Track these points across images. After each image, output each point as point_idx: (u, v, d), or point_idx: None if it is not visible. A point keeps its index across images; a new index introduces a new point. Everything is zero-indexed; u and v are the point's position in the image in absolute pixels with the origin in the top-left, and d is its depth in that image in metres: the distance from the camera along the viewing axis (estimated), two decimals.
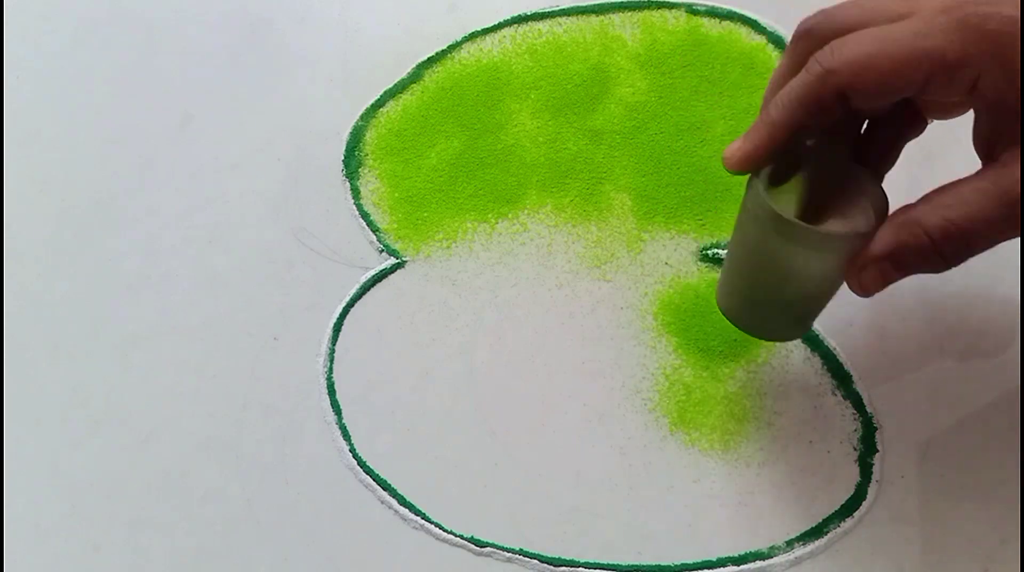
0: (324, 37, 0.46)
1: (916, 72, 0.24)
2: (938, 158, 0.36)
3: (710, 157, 0.40)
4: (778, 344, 0.37)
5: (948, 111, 0.29)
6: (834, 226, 0.27)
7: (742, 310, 0.32)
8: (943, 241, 0.25)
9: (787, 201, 0.28)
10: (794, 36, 0.28)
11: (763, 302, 0.31)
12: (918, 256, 0.25)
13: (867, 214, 0.27)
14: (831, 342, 0.37)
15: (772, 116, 0.27)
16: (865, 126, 0.30)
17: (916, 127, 0.30)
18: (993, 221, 0.24)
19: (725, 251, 0.39)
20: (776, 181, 0.28)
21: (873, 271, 0.26)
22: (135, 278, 0.41)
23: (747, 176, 0.28)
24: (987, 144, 0.26)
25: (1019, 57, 0.23)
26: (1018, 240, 0.34)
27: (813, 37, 0.27)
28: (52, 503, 0.38)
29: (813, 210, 0.28)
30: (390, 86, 0.44)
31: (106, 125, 0.45)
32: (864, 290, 0.27)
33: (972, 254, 0.25)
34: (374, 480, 0.36)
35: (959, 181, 0.25)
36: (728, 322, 0.32)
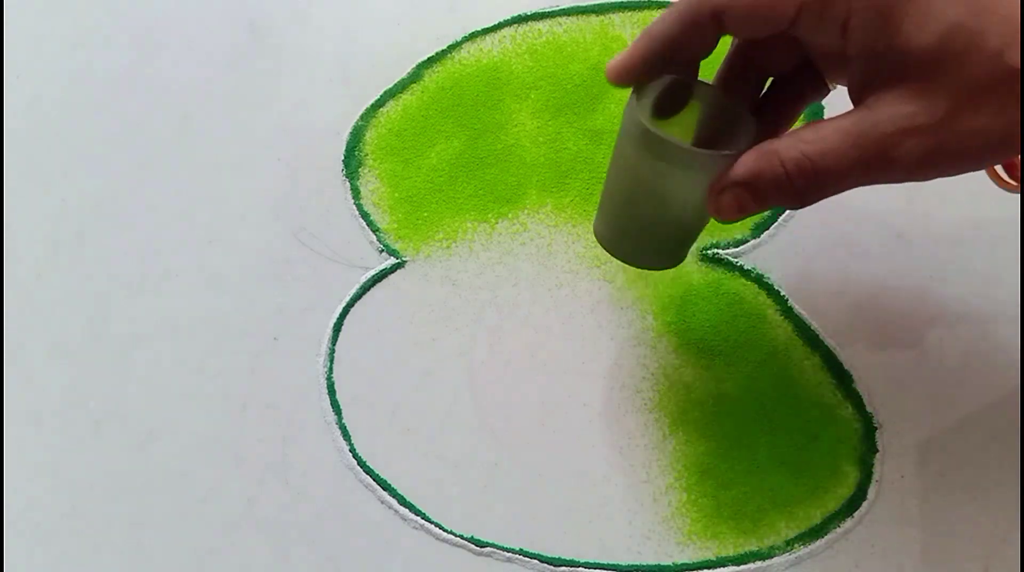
0: (324, 37, 0.46)
1: (788, 2, 0.25)
2: None
3: None
4: (777, 345, 0.37)
5: (841, 68, 0.29)
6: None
7: (616, 237, 0.32)
8: (796, 174, 0.25)
9: (674, 133, 0.29)
10: None
11: (636, 229, 0.31)
12: (773, 185, 0.25)
13: (740, 147, 0.27)
14: (831, 342, 0.37)
15: (650, 29, 0.27)
16: (768, 86, 0.31)
17: (816, 90, 0.30)
18: (846, 161, 0.24)
19: (722, 249, 0.39)
20: (664, 114, 0.29)
21: (730, 195, 0.26)
22: (135, 278, 0.41)
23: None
24: (859, 90, 0.26)
25: (888, 2, 0.24)
26: (1018, 240, 0.34)
27: None
28: (52, 503, 0.38)
29: (697, 145, 0.29)
30: (390, 86, 0.44)
31: (106, 125, 0.45)
32: (720, 214, 0.27)
33: (825, 193, 0.25)
34: (374, 480, 0.36)
35: (825, 119, 0.25)
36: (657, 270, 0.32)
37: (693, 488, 0.35)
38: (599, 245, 0.32)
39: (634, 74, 0.28)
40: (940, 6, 0.23)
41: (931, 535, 0.34)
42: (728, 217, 0.27)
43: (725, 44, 0.30)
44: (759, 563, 0.34)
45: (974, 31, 0.23)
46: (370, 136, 0.43)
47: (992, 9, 0.23)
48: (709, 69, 0.30)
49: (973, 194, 0.37)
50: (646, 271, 0.39)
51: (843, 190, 0.25)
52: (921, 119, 0.24)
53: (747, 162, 0.26)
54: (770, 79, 0.31)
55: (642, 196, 0.29)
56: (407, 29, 0.45)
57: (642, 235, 0.31)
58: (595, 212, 0.33)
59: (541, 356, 0.38)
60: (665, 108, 0.29)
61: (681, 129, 0.30)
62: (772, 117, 0.30)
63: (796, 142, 0.25)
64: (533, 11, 0.45)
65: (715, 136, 0.29)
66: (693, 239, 0.32)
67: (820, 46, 0.27)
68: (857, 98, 0.26)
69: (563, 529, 0.35)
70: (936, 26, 0.23)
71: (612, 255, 0.32)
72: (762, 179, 0.26)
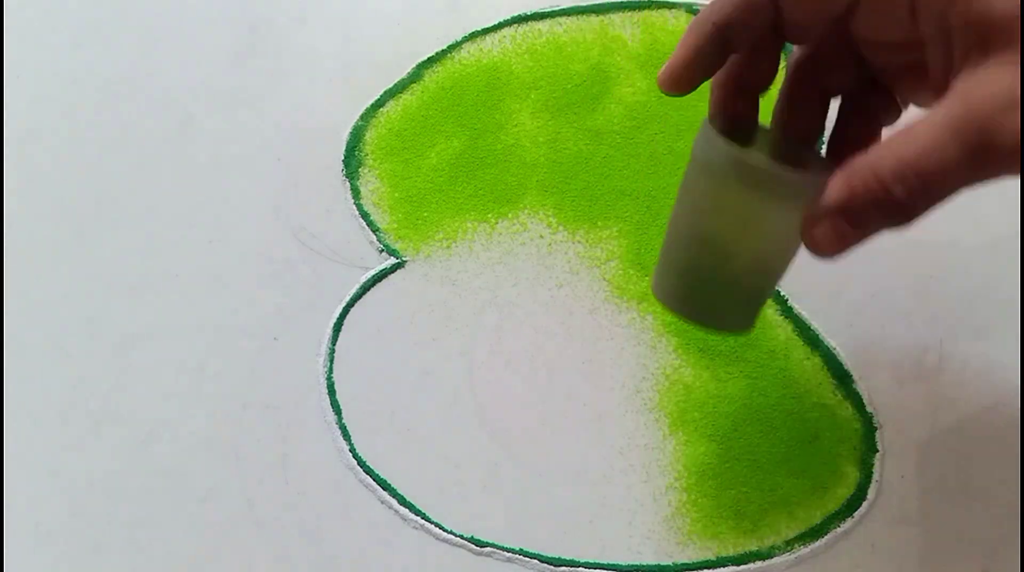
0: (324, 37, 0.46)
1: None
2: None
3: None
4: (777, 345, 0.37)
5: (913, 77, 0.26)
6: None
7: (685, 291, 0.28)
8: (896, 183, 0.22)
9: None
10: None
11: (710, 279, 0.27)
12: (872, 204, 0.22)
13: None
14: (831, 342, 0.37)
15: (698, 17, 0.25)
16: (837, 116, 0.28)
17: (887, 111, 0.28)
18: (950, 157, 0.21)
19: None
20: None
21: (826, 225, 0.23)
22: (135, 278, 0.41)
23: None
24: (942, 78, 0.23)
25: None
26: (1018, 240, 0.34)
27: None
28: (52, 503, 0.38)
29: None
30: (390, 86, 0.44)
31: (106, 125, 0.45)
32: (818, 248, 0.24)
33: (932, 201, 0.22)
34: (374, 480, 0.36)
35: (913, 122, 0.22)
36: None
37: (693, 488, 0.35)
38: (665, 308, 0.28)
39: (691, 70, 0.25)
40: None
41: (931, 535, 0.34)
42: (827, 251, 0.24)
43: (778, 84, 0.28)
44: (759, 563, 0.34)
45: None
46: (370, 136, 0.43)
47: None
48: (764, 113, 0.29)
49: (973, 194, 0.37)
50: (644, 269, 0.39)
51: (950, 194, 0.22)
52: (1020, 91, 0.20)
53: (836, 185, 0.23)
54: (832, 103, 0.28)
55: (723, 240, 0.26)
56: (407, 29, 0.45)
57: (718, 287, 0.27)
58: (659, 273, 0.29)
59: (541, 356, 0.38)
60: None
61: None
62: (846, 155, 0.26)
63: (887, 150, 0.22)
64: (533, 11, 0.45)
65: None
66: (773, 288, 0.28)
67: (885, 42, 0.25)
68: (941, 88, 0.23)
69: (563, 529, 0.35)
70: None
71: (684, 317, 0.28)
72: (858, 199, 0.22)
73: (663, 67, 0.25)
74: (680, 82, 0.25)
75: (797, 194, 0.24)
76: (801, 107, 0.28)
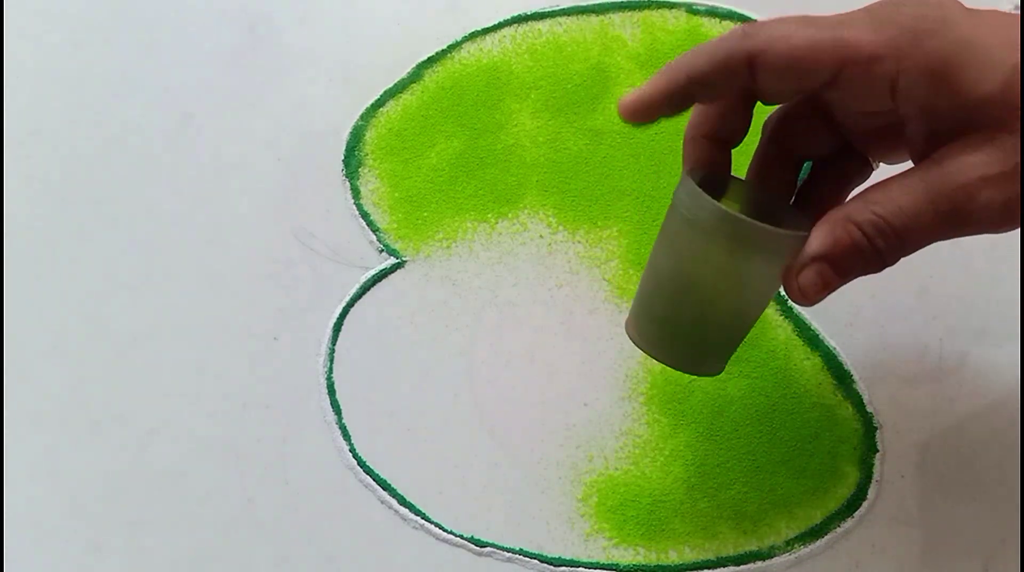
0: (324, 37, 0.46)
1: (829, 56, 0.24)
2: None
3: None
4: (777, 345, 0.37)
5: (886, 140, 0.28)
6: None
7: (666, 337, 0.29)
8: (876, 235, 0.24)
9: None
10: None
11: (689, 327, 0.28)
12: (854, 252, 0.24)
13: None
14: (831, 342, 0.37)
15: (673, 64, 0.26)
16: (806, 177, 0.30)
17: (859, 171, 0.29)
18: (924, 219, 0.23)
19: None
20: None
21: (811, 272, 0.25)
22: (135, 278, 0.41)
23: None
24: (921, 149, 0.25)
25: (941, 56, 0.23)
26: (1018, 241, 0.34)
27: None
28: (52, 503, 0.38)
29: None
30: (390, 86, 0.44)
31: (106, 125, 0.45)
32: (804, 296, 0.25)
33: (906, 252, 0.24)
34: (374, 480, 0.36)
35: (890, 178, 0.24)
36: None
37: (693, 488, 0.35)
38: (640, 349, 0.29)
39: (653, 110, 0.26)
40: (999, 54, 0.23)
41: (931, 535, 0.34)
42: (811, 297, 0.25)
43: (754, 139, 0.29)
44: (759, 563, 0.34)
45: None
46: (370, 136, 0.43)
47: None
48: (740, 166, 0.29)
49: None
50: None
51: (923, 246, 0.24)
52: (995, 168, 0.23)
53: (820, 235, 0.25)
54: (805, 166, 0.29)
55: (703, 289, 0.27)
56: (407, 29, 0.45)
57: (698, 333, 0.28)
58: (636, 318, 0.30)
59: (541, 356, 0.38)
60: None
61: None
62: (815, 209, 0.28)
63: (865, 205, 0.24)
64: (533, 11, 0.45)
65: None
66: (746, 333, 0.29)
67: (861, 113, 0.26)
68: (919, 157, 0.25)
69: (563, 529, 0.35)
70: (998, 73, 0.22)
71: (657, 359, 0.29)
72: (841, 247, 0.24)
73: (628, 96, 0.26)
74: (639, 116, 0.26)
75: (781, 248, 0.25)
76: (775, 168, 0.29)
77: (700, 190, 0.26)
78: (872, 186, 0.25)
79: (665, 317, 0.29)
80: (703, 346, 0.29)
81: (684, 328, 0.28)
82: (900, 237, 0.24)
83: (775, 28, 0.25)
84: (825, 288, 0.25)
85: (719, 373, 0.30)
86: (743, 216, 0.25)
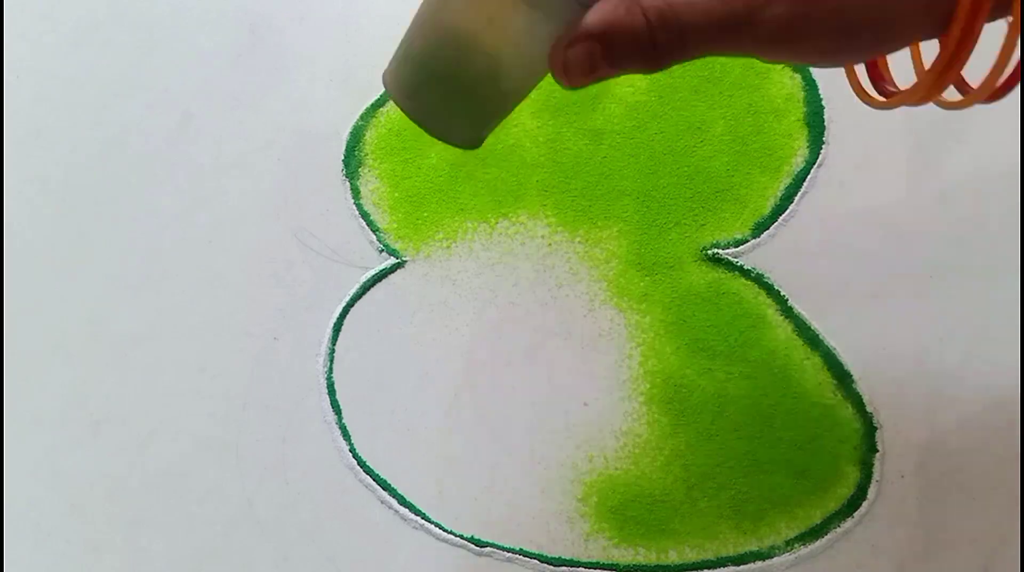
0: (324, 37, 0.46)
1: None
2: (937, 161, 0.36)
3: (710, 157, 0.40)
4: (777, 345, 0.37)
5: None
6: None
7: (416, 85, 0.26)
8: (660, 25, 0.22)
9: None
10: None
11: (443, 76, 0.26)
12: (631, 39, 0.22)
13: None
14: (831, 342, 0.37)
15: None
16: None
17: None
18: (712, 18, 0.22)
19: (722, 249, 0.39)
20: None
21: (580, 49, 0.23)
22: (135, 278, 0.41)
23: None
24: None
25: None
26: (1018, 242, 0.34)
27: None
28: (52, 503, 0.38)
29: None
30: None
31: (106, 125, 0.45)
32: (567, 74, 0.23)
33: (684, 54, 0.23)
34: (374, 480, 0.36)
35: None
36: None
37: (693, 488, 0.35)
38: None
39: None
40: None
41: (931, 535, 0.34)
42: (575, 76, 0.23)
43: None
44: (759, 563, 0.34)
45: None
46: (370, 136, 0.43)
47: None
48: None
49: (974, 193, 0.37)
50: (644, 269, 0.39)
51: (699, 55, 0.23)
52: None
53: (600, 11, 0.23)
54: None
55: (470, 33, 0.25)
56: (407, 29, 0.45)
57: (455, 89, 0.26)
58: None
59: (541, 356, 0.38)
60: None
61: None
62: None
63: None
64: None
65: None
66: (507, 111, 0.27)
67: None
68: None
69: (563, 529, 0.35)
70: None
71: (408, 113, 0.27)
72: (619, 30, 0.22)
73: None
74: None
75: (558, 10, 0.23)
76: None
77: None
78: None
79: (421, 60, 0.26)
80: (454, 104, 0.26)
81: (437, 76, 0.26)
82: (683, 34, 0.22)
83: None
84: (592, 71, 0.23)
85: (471, 147, 0.27)
86: None
